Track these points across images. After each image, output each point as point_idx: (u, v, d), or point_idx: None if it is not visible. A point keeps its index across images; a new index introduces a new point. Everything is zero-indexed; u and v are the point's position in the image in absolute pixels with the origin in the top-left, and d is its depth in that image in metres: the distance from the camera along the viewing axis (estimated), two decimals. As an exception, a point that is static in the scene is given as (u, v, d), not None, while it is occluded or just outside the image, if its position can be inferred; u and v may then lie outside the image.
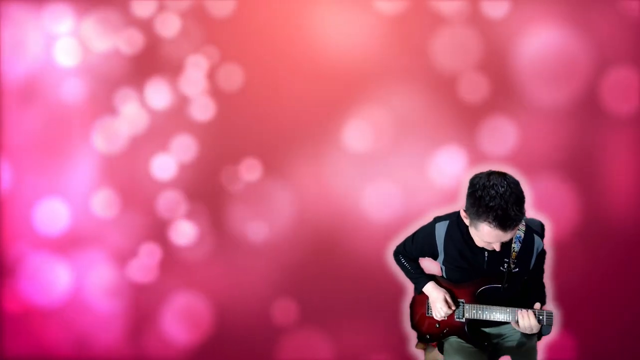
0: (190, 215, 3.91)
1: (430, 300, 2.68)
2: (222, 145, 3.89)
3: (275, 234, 3.89)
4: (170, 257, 3.92)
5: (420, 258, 2.78)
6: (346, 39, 3.83)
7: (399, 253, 2.79)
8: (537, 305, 2.47)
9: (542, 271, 2.65)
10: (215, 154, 3.90)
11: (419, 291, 2.74)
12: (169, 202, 3.91)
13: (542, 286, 2.64)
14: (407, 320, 2.85)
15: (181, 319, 3.94)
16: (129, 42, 3.89)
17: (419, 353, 3.11)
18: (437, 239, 2.60)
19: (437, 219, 2.64)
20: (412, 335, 2.83)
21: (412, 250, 2.73)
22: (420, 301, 2.75)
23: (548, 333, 2.52)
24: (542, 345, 3.53)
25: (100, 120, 3.93)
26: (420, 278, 2.73)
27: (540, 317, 2.46)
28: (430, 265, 2.80)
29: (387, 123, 3.83)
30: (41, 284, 4.00)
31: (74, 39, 3.92)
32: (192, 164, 3.90)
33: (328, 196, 3.87)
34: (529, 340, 2.61)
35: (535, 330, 2.47)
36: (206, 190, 3.90)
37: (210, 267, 3.92)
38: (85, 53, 3.92)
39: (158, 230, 3.92)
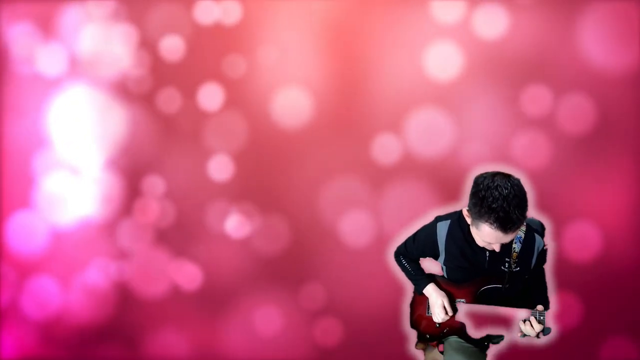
0: (244, 213, 3.87)
1: (430, 302, 2.68)
2: (275, 146, 3.86)
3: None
4: (229, 255, 3.89)
5: (421, 258, 2.78)
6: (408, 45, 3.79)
7: (400, 254, 2.79)
8: (540, 307, 2.47)
9: (543, 271, 2.65)
10: (269, 153, 3.86)
11: (419, 292, 2.74)
12: (223, 201, 3.89)
13: (545, 286, 2.64)
14: (406, 319, 2.85)
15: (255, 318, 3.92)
16: (181, 41, 3.87)
17: (418, 353, 3.10)
18: (438, 238, 2.60)
19: (439, 219, 2.64)
20: (412, 335, 2.83)
21: (413, 250, 2.73)
22: (420, 300, 2.75)
23: (549, 333, 2.52)
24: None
25: (160, 117, 3.91)
26: (420, 280, 2.72)
27: (542, 319, 2.46)
28: (430, 266, 2.78)
29: (462, 118, 3.77)
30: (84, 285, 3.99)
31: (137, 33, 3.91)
32: (245, 164, 3.87)
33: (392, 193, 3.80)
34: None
35: (538, 330, 2.47)
36: (259, 189, 3.88)
37: (265, 264, 3.89)
38: (146, 49, 3.89)
39: (211, 228, 3.89)
